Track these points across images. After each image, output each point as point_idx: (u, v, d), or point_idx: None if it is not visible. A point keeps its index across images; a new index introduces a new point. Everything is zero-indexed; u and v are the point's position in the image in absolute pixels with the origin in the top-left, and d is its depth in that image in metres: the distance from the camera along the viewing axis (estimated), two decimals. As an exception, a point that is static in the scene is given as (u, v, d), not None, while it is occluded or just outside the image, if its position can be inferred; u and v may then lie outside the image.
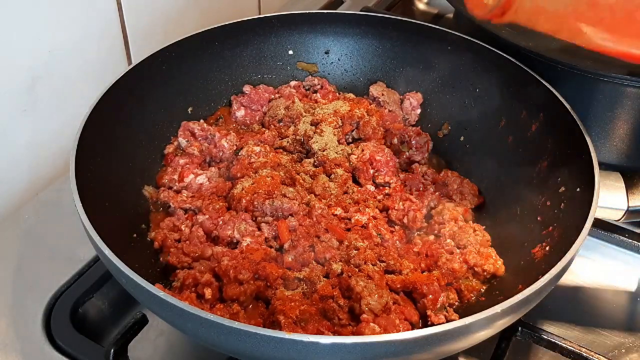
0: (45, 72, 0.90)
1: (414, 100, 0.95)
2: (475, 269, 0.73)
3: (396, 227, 0.80)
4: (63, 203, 0.88)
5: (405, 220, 0.79)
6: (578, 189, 0.70)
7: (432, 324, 0.67)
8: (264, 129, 0.94)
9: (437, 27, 0.95)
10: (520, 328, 0.73)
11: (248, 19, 0.96)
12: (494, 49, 0.87)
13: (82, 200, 0.63)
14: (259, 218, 0.78)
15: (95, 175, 0.72)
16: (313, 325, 0.64)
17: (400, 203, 0.80)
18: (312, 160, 0.87)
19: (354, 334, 0.64)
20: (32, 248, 0.83)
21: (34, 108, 0.91)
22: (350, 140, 0.92)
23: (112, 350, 0.66)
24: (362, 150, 0.86)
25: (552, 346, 0.72)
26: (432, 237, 0.78)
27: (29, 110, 0.90)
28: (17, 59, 0.86)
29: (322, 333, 0.63)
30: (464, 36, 0.91)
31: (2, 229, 0.85)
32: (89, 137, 0.72)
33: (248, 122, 0.95)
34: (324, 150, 0.87)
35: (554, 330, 0.74)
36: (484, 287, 0.73)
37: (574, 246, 0.61)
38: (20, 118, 0.89)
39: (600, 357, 0.70)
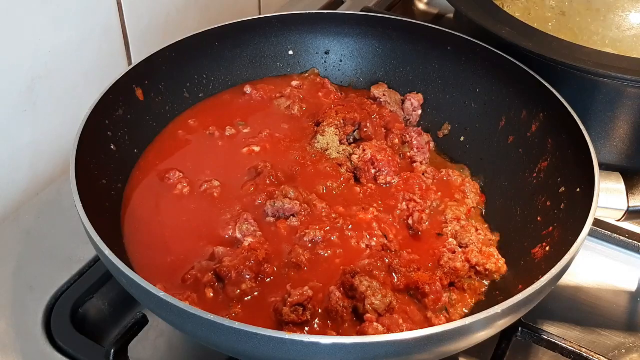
0: (45, 72, 0.90)
1: (414, 100, 0.95)
2: (477, 267, 0.73)
3: (399, 226, 0.80)
4: (63, 203, 0.88)
5: (409, 221, 0.78)
6: (578, 189, 0.70)
7: (433, 324, 0.67)
8: (264, 128, 0.94)
9: (437, 27, 0.94)
10: (520, 328, 0.73)
11: (248, 19, 0.96)
12: (494, 49, 0.87)
13: (82, 200, 0.63)
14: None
15: (95, 175, 0.72)
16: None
17: (404, 203, 0.80)
18: (313, 160, 0.87)
19: (357, 333, 0.64)
20: (32, 248, 0.83)
21: (34, 108, 0.91)
22: (351, 140, 0.92)
23: (112, 350, 0.66)
24: (364, 150, 0.86)
25: (552, 346, 0.72)
26: (434, 236, 0.78)
27: (29, 110, 0.90)
28: (17, 59, 0.86)
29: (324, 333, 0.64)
30: (464, 36, 0.91)
31: (2, 229, 0.85)
32: (89, 137, 0.72)
33: (248, 122, 0.95)
34: (325, 150, 0.87)
35: (554, 330, 0.74)
36: (485, 287, 0.73)
37: (574, 246, 0.61)
38: (20, 118, 0.89)
39: (600, 357, 0.70)
